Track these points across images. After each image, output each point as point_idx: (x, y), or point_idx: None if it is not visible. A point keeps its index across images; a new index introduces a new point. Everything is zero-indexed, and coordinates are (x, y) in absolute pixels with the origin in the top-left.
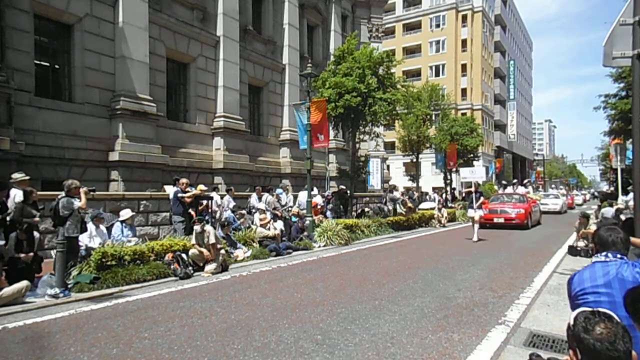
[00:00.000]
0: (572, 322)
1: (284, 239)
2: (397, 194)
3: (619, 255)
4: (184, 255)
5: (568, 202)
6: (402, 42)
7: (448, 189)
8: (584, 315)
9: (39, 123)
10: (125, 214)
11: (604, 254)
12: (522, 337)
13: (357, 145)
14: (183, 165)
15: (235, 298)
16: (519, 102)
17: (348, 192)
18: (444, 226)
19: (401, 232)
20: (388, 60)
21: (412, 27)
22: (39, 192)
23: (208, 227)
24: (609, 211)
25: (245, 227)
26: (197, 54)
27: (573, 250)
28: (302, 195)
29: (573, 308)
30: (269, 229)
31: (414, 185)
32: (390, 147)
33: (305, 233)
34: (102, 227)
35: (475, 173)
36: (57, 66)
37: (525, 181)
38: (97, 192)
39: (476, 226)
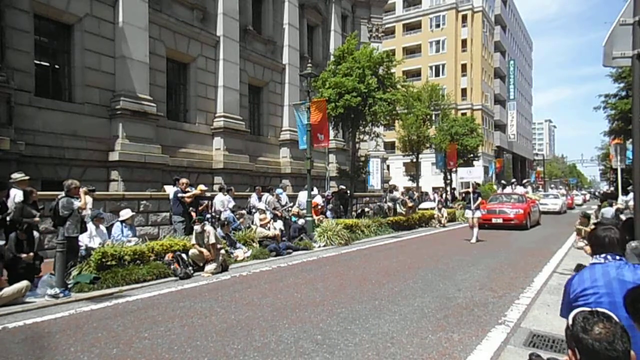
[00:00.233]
0: (570, 322)
1: (283, 239)
2: (397, 194)
3: (617, 257)
4: (184, 255)
5: (568, 202)
6: (402, 42)
7: (448, 189)
8: (582, 315)
9: (39, 123)
10: (125, 214)
11: (602, 255)
12: (522, 337)
13: (357, 145)
14: (183, 165)
15: (235, 298)
16: (519, 102)
17: (348, 192)
18: (444, 226)
19: (401, 232)
20: (388, 60)
21: (412, 27)
22: (39, 192)
23: (208, 227)
24: (609, 211)
25: (245, 227)
26: (197, 54)
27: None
28: (302, 195)
29: (569, 309)
30: (269, 229)
31: (414, 185)
32: (390, 147)
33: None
34: (102, 227)
35: (473, 173)
36: (57, 66)
37: (525, 181)
38: (97, 192)
39: (475, 228)
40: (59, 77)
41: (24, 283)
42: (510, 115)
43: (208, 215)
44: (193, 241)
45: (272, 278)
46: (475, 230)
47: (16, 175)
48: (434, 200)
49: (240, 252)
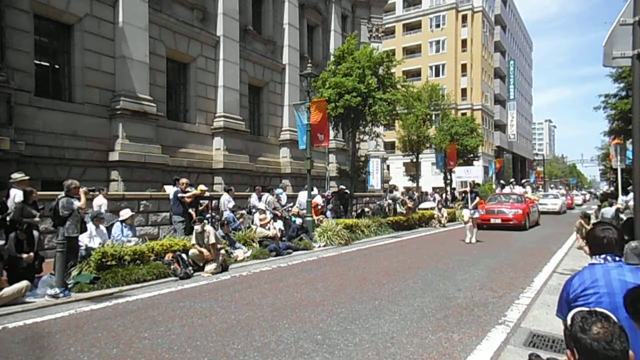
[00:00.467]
0: (569, 322)
1: (283, 238)
2: (397, 194)
3: (617, 258)
4: (184, 255)
5: (567, 202)
6: (402, 42)
7: (448, 189)
8: (581, 315)
9: (39, 123)
10: (125, 213)
11: (602, 256)
12: (522, 337)
13: (357, 145)
14: (183, 165)
15: (235, 298)
16: (519, 102)
17: (348, 192)
18: (444, 226)
19: (401, 232)
20: (388, 60)
21: (412, 27)
22: (39, 192)
23: (208, 227)
24: (608, 211)
25: (245, 227)
26: (197, 54)
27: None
28: (302, 195)
29: (568, 309)
30: (269, 229)
31: (414, 185)
32: (390, 147)
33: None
34: (102, 227)
35: (471, 172)
36: (57, 66)
37: (524, 181)
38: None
39: (473, 228)
40: (59, 77)
41: (24, 283)
42: (510, 115)
43: (208, 215)
44: (193, 241)
45: (272, 278)
46: (474, 230)
47: (16, 175)
48: (435, 200)
49: (240, 252)
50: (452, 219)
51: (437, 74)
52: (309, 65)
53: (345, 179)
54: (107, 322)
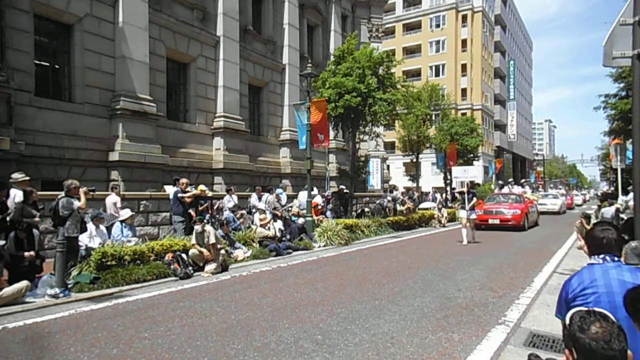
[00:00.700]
0: (567, 322)
1: (283, 239)
2: (397, 194)
3: (616, 259)
4: (184, 255)
5: (567, 202)
6: (402, 42)
7: (448, 189)
8: (579, 315)
9: (39, 123)
10: (125, 213)
11: (601, 256)
12: (522, 337)
13: (357, 145)
14: (183, 165)
15: (235, 298)
16: (519, 102)
17: (348, 192)
18: (444, 226)
19: (401, 232)
20: (388, 60)
21: (412, 27)
22: (39, 192)
23: (208, 227)
24: (608, 211)
25: (245, 227)
26: (197, 54)
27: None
28: (302, 195)
29: (567, 309)
30: (269, 229)
31: (414, 185)
32: (390, 147)
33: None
34: (102, 227)
35: (468, 172)
36: (57, 66)
37: (522, 181)
38: (97, 192)
39: (466, 229)
40: (59, 77)
41: (24, 283)
42: (510, 115)
43: (208, 216)
44: (193, 241)
45: (272, 278)
46: (468, 231)
47: (16, 176)
48: (435, 200)
49: (240, 252)
50: (452, 219)
51: (437, 74)
52: (309, 65)
53: (345, 179)
54: (107, 322)
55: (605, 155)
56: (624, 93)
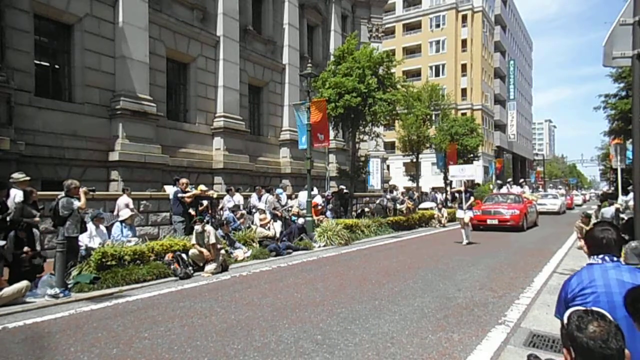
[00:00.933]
0: (565, 321)
1: (284, 239)
2: (397, 194)
3: (615, 259)
4: (184, 255)
5: (567, 202)
6: (402, 42)
7: (448, 189)
8: (577, 314)
9: (39, 123)
10: (125, 213)
11: (600, 256)
12: (522, 337)
13: (357, 145)
14: (183, 165)
15: (235, 298)
16: (519, 102)
17: (348, 192)
18: (444, 226)
19: (401, 232)
20: (388, 60)
21: (412, 27)
22: (39, 192)
23: (208, 227)
24: (608, 211)
25: (245, 227)
26: (197, 54)
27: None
28: (302, 195)
29: (566, 309)
30: (269, 228)
31: (414, 185)
32: (390, 147)
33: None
34: (102, 227)
35: (466, 171)
36: (57, 66)
37: (521, 180)
38: (97, 192)
39: (465, 229)
40: (59, 77)
41: (24, 283)
42: (510, 115)
43: (208, 216)
44: (193, 241)
45: (272, 278)
46: (467, 231)
47: (17, 176)
48: (436, 200)
49: (240, 252)
50: (452, 219)
51: (437, 74)
52: (309, 65)
53: (345, 179)
54: (107, 322)
55: (605, 155)
56: (624, 93)
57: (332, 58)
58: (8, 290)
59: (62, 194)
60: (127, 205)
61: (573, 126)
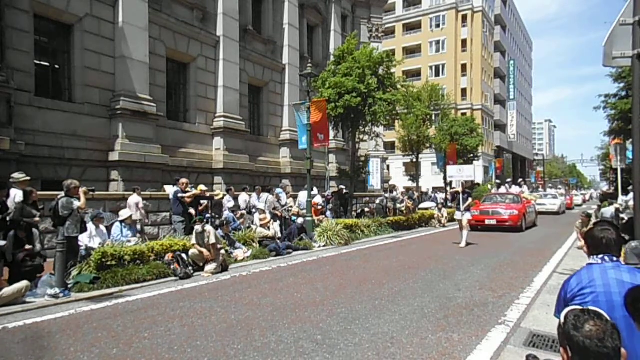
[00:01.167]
0: (562, 321)
1: (285, 239)
2: (396, 194)
3: (614, 259)
4: (184, 255)
5: (567, 202)
6: (402, 42)
7: (448, 189)
8: (573, 314)
9: (39, 123)
10: (125, 213)
11: (600, 256)
12: (522, 337)
13: (357, 145)
14: (183, 165)
15: (235, 298)
16: (519, 102)
17: (348, 192)
18: (444, 226)
19: (401, 232)
20: (388, 60)
21: (412, 27)
22: (39, 192)
23: (208, 227)
24: (608, 211)
25: (245, 227)
26: (197, 54)
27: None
28: (302, 195)
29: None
30: (269, 228)
31: (414, 185)
32: (390, 147)
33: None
34: (102, 227)
35: (464, 172)
36: (57, 66)
37: (520, 180)
38: (97, 192)
39: (464, 230)
40: (59, 77)
41: (24, 283)
42: (510, 115)
43: (208, 216)
44: (193, 241)
45: (272, 278)
46: (465, 233)
47: (17, 176)
48: (436, 200)
49: (240, 252)
50: (452, 219)
51: (437, 74)
52: (309, 65)
53: (345, 179)
54: (107, 322)
55: (605, 155)
56: (624, 93)
57: (332, 58)
58: (8, 290)
59: (62, 194)
60: (137, 205)
61: (573, 126)
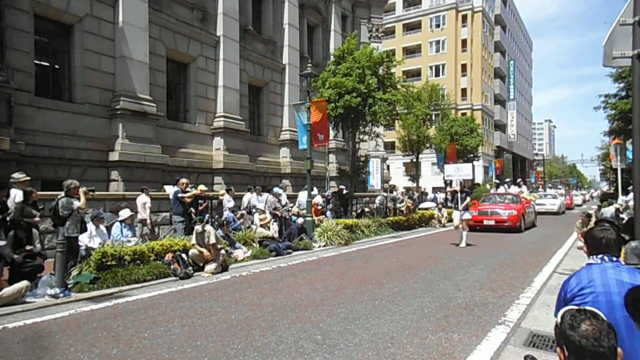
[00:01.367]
0: (559, 320)
1: (285, 239)
2: (396, 194)
3: (614, 259)
4: (184, 255)
5: (567, 202)
6: (402, 42)
7: (448, 189)
8: (570, 314)
9: (39, 123)
10: (124, 213)
11: (599, 256)
12: (522, 337)
13: (357, 145)
14: (183, 165)
15: (235, 298)
16: (519, 102)
17: (348, 192)
18: (444, 226)
19: (401, 232)
20: (388, 60)
21: (412, 27)
22: (39, 192)
23: (208, 227)
24: (608, 211)
25: (245, 227)
26: (197, 54)
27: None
28: (302, 195)
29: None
30: (269, 229)
31: (414, 185)
32: (390, 147)
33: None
34: (102, 227)
35: (461, 171)
36: (57, 66)
37: (519, 180)
38: (97, 192)
39: (463, 231)
40: (59, 77)
41: (24, 283)
42: (510, 115)
43: (207, 215)
44: (193, 241)
45: (272, 278)
46: (465, 233)
47: (17, 176)
48: (436, 200)
49: (240, 252)
50: (452, 219)
51: (437, 74)
52: (309, 65)
53: (345, 179)
54: (107, 322)
55: (605, 155)
56: (624, 93)
57: (332, 58)
58: (8, 290)
59: (62, 194)
60: (144, 205)
61: (573, 126)
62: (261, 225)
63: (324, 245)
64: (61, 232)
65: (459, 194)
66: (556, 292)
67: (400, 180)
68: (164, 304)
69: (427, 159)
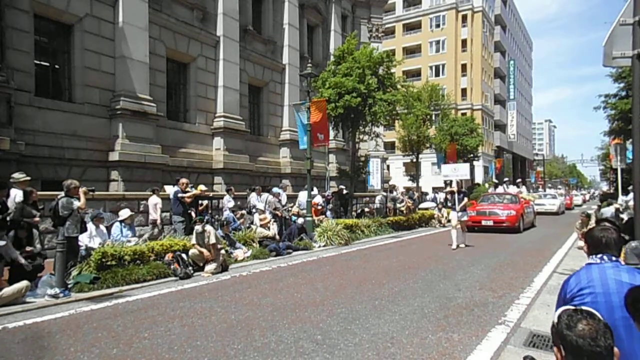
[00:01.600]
0: (556, 320)
1: (284, 239)
2: (396, 194)
3: (614, 258)
4: (184, 255)
5: (566, 202)
6: (402, 42)
7: (447, 188)
8: (567, 314)
9: (39, 123)
10: (124, 213)
11: (599, 256)
12: (522, 337)
13: (357, 145)
14: (183, 165)
15: (235, 298)
16: (519, 102)
17: (348, 192)
18: (444, 226)
19: (401, 232)
20: (388, 60)
21: (412, 27)
22: (39, 192)
23: (208, 227)
24: (608, 211)
25: (245, 227)
26: (197, 54)
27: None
28: (302, 195)
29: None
30: (269, 229)
31: (414, 185)
32: (390, 147)
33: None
34: (102, 227)
35: (459, 171)
36: (57, 66)
37: (518, 180)
38: (97, 192)
39: (455, 231)
40: (59, 77)
41: (24, 283)
42: (510, 115)
43: (208, 215)
44: (193, 241)
45: (272, 278)
46: (459, 233)
47: (17, 176)
48: (436, 200)
49: (240, 252)
50: (450, 219)
51: (437, 74)
52: (309, 65)
53: (345, 179)
54: (107, 322)
55: (605, 155)
56: (624, 93)
57: (332, 58)
58: (8, 290)
59: (62, 194)
60: (155, 205)
61: (573, 126)
62: (261, 225)
63: (324, 245)
64: (61, 232)
65: (456, 195)
66: (556, 292)
67: (400, 180)
68: (164, 304)
69: (427, 159)
